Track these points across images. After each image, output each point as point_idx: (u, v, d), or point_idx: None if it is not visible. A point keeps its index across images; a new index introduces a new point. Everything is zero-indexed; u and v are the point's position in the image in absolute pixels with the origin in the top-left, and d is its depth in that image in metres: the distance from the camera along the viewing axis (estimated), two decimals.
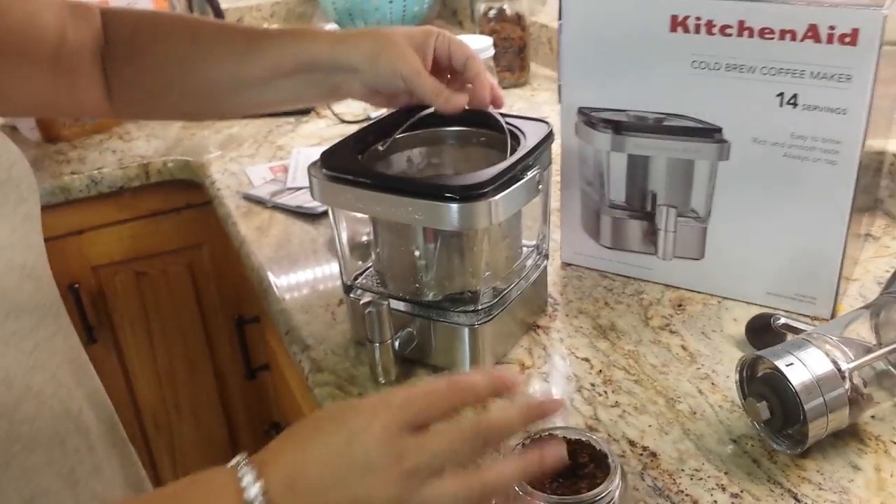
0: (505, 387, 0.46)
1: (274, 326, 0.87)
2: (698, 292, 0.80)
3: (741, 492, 0.58)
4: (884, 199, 0.90)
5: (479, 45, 1.10)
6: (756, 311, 0.75)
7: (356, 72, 0.68)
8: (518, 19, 1.33)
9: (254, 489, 0.41)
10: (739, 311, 0.77)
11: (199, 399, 1.40)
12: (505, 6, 1.33)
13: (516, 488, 0.49)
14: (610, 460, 0.52)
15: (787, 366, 0.56)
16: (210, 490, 0.43)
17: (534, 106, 1.30)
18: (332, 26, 1.69)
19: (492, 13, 1.34)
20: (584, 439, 0.53)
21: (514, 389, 0.46)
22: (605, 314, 0.78)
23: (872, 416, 0.63)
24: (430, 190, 0.63)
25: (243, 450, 0.45)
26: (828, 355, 0.56)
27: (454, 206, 0.61)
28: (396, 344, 0.69)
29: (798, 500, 0.57)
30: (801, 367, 0.56)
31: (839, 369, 0.56)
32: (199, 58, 0.72)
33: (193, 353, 1.36)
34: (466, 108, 0.68)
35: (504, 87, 1.28)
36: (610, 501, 0.50)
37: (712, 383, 0.68)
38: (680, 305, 0.79)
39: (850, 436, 0.61)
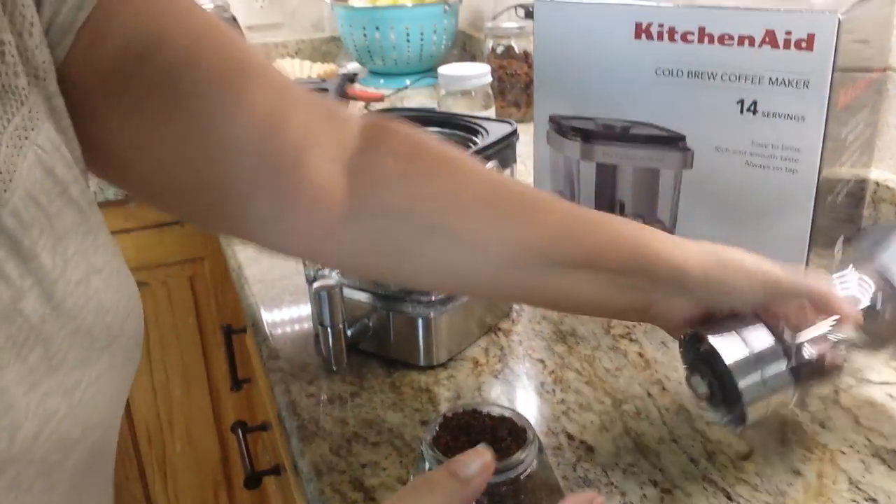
0: None
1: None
2: None
3: (673, 488, 0.56)
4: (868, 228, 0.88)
5: (477, 71, 1.13)
6: None
7: (688, 284, 0.53)
8: (525, 56, 1.36)
9: None
10: None
11: (192, 415, 1.41)
12: (512, 43, 1.36)
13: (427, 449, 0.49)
14: (528, 434, 0.51)
15: (723, 341, 0.54)
16: None
17: None
18: (353, 65, 1.75)
19: (499, 49, 1.37)
20: (506, 415, 0.53)
21: None
22: (567, 321, 0.78)
23: (822, 425, 0.61)
24: None
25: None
26: (773, 330, 0.54)
27: None
28: (349, 332, 0.70)
29: (731, 499, 0.55)
30: (739, 343, 0.53)
31: (784, 344, 0.54)
32: (475, 201, 0.52)
33: (189, 368, 1.38)
34: None
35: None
36: (524, 472, 0.49)
37: (663, 388, 0.67)
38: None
39: (797, 443, 0.60)
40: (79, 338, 0.37)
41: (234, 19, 1.67)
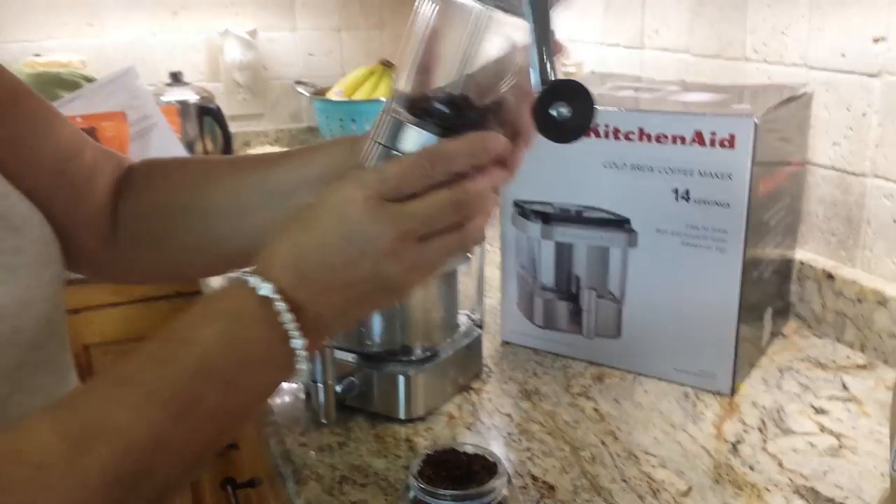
0: (482, 151, 0.50)
1: None
2: (617, 368, 0.89)
3: None
4: (795, 304, 1.00)
5: None
6: (665, 386, 0.84)
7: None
8: None
9: (264, 288, 0.46)
10: (651, 385, 0.86)
11: None
12: None
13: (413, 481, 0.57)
14: (499, 468, 0.60)
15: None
16: (227, 302, 0.48)
17: None
18: None
19: None
20: (480, 453, 0.61)
21: (490, 153, 0.50)
22: (532, 382, 0.87)
23: (751, 468, 0.71)
24: None
25: None
26: None
27: None
28: (339, 388, 0.78)
29: None
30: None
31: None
32: (221, 172, 0.68)
33: None
34: None
35: None
36: (495, 499, 0.58)
37: (615, 437, 0.76)
38: (599, 378, 0.88)
39: (729, 482, 0.69)
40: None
41: (219, 109, 1.79)
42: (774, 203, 0.86)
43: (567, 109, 0.50)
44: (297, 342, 0.48)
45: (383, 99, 1.75)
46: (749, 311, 0.83)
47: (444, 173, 0.49)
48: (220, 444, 0.50)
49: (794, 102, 0.89)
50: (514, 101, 0.54)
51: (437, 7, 0.54)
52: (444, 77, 0.54)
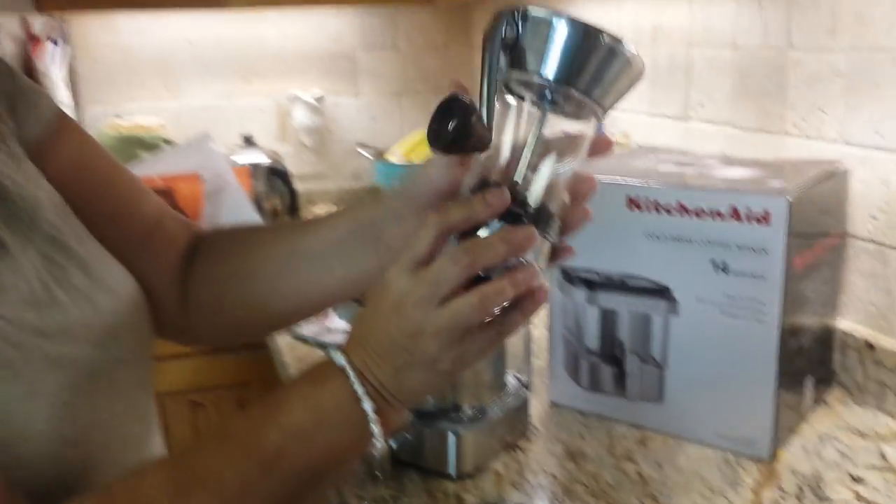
0: (517, 249, 0.54)
1: None
2: (660, 431, 0.92)
3: None
4: (837, 372, 1.02)
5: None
6: (707, 450, 0.87)
7: (391, 202, 0.67)
8: None
9: (339, 360, 0.55)
10: (692, 449, 0.89)
11: None
12: None
13: None
14: None
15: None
16: (312, 373, 0.57)
17: None
18: None
19: None
20: None
21: (523, 247, 0.54)
22: (577, 443, 0.91)
23: None
24: None
25: None
26: None
27: None
28: (393, 443, 0.84)
29: None
30: None
31: None
32: (262, 239, 0.75)
33: None
34: None
35: None
36: None
37: (656, 501, 0.80)
38: (642, 441, 0.91)
39: None
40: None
41: (286, 170, 1.89)
42: (812, 275, 0.89)
43: (441, 122, 0.53)
44: (367, 404, 0.54)
45: None
46: (788, 379, 0.86)
47: (479, 267, 0.53)
48: (303, 499, 0.56)
49: (832, 178, 0.93)
50: (566, 195, 0.60)
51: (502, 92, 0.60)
52: (500, 167, 0.60)
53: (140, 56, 1.93)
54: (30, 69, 1.54)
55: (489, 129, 0.55)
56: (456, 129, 0.52)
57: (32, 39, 1.55)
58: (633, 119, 1.47)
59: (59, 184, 0.65)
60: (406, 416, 0.61)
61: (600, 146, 0.61)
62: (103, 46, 1.90)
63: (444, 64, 2.17)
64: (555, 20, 0.54)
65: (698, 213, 0.85)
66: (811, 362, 0.94)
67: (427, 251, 0.54)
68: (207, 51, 1.98)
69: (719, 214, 0.83)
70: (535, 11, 0.55)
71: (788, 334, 0.84)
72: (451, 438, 0.83)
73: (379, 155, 1.93)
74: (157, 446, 0.69)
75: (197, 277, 0.75)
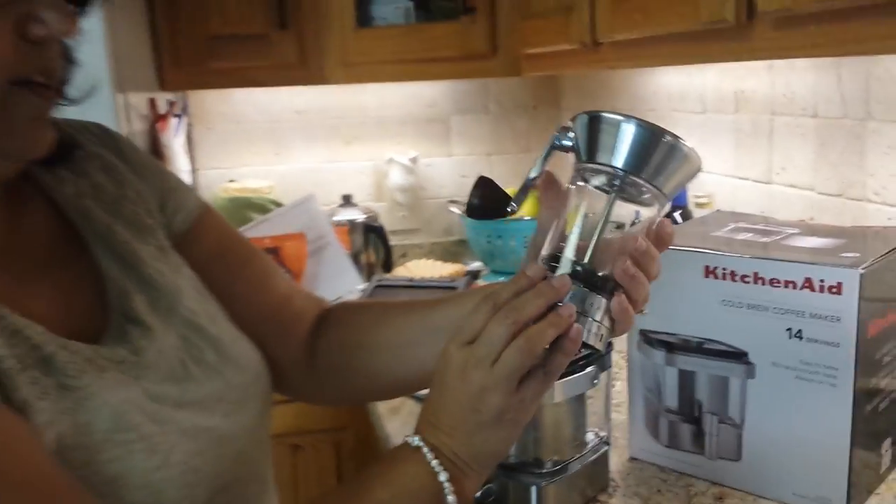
0: (553, 296, 0.60)
1: None
2: (737, 489, 0.96)
3: None
4: None
5: None
6: None
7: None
8: None
9: (414, 441, 0.61)
10: None
11: None
12: None
13: None
14: None
15: None
16: (392, 452, 0.63)
17: None
18: (477, 264, 2.03)
19: None
20: None
21: (560, 293, 0.60)
22: (655, 498, 0.95)
23: None
24: None
25: None
26: None
27: None
28: (478, 494, 0.90)
29: None
30: None
31: None
32: (391, 314, 0.82)
33: None
34: None
35: None
36: None
37: None
38: (720, 498, 0.95)
39: None
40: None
41: (382, 227, 2.01)
42: (887, 341, 0.92)
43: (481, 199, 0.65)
44: (442, 475, 0.60)
45: (526, 218, 1.90)
46: (864, 440, 0.89)
47: (523, 322, 0.59)
48: None
49: None
50: (630, 266, 0.66)
51: (575, 189, 0.67)
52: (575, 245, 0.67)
53: (251, 124, 2.10)
54: (155, 144, 1.71)
55: (514, 201, 0.69)
56: (479, 199, 0.65)
57: (158, 118, 1.72)
58: (718, 181, 1.51)
59: (200, 268, 0.75)
60: (481, 481, 0.65)
61: (664, 236, 0.65)
62: (218, 116, 2.08)
63: (533, 124, 2.26)
64: (624, 123, 0.62)
65: (773, 283, 0.89)
66: (890, 424, 0.96)
67: (479, 329, 0.60)
68: (312, 119, 2.13)
69: (793, 284, 0.87)
70: (608, 115, 0.63)
71: (863, 398, 0.87)
72: (533, 490, 0.89)
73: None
74: (270, 502, 0.76)
75: (324, 346, 0.83)
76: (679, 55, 1.03)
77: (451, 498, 0.60)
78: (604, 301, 0.64)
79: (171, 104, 1.82)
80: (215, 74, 1.74)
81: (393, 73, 1.84)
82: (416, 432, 0.63)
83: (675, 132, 0.61)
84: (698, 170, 0.64)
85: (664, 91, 1.67)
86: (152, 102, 1.73)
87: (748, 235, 1.03)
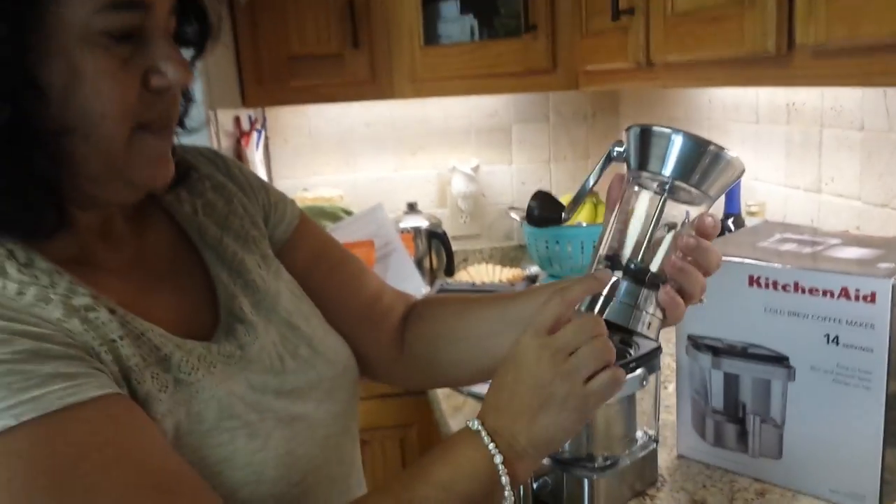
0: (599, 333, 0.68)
1: None
2: (778, 486, 1.02)
3: None
4: None
5: None
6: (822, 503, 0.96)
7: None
8: None
9: (474, 424, 0.68)
10: (807, 502, 0.98)
11: None
12: None
13: None
14: None
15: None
16: (454, 436, 0.70)
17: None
18: (535, 269, 2.11)
19: None
20: None
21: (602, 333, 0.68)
22: (700, 493, 1.02)
23: None
24: None
25: None
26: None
27: None
28: (535, 485, 0.99)
29: None
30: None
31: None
32: (473, 307, 0.91)
33: None
34: None
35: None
36: None
37: None
38: (761, 494, 1.01)
39: None
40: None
41: (444, 233, 2.10)
42: None
43: (538, 208, 0.79)
44: (497, 457, 0.67)
45: (584, 224, 1.97)
46: (894, 440, 0.94)
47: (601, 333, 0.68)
48: None
49: None
50: (678, 260, 0.73)
51: (628, 193, 0.75)
52: (631, 244, 0.75)
53: (323, 137, 2.22)
54: (239, 158, 1.84)
55: (567, 210, 0.78)
56: (537, 208, 0.80)
57: (242, 134, 1.86)
58: (770, 189, 1.56)
59: (299, 272, 0.86)
60: (534, 467, 0.72)
61: (706, 229, 0.72)
62: (292, 130, 2.20)
63: (591, 132, 2.32)
64: (673, 135, 0.69)
65: (812, 292, 0.95)
66: None
67: (552, 321, 0.69)
68: (380, 130, 2.24)
69: (831, 294, 0.94)
70: (658, 128, 0.71)
71: (893, 401, 0.92)
72: (586, 483, 0.97)
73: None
74: (356, 483, 0.86)
75: (411, 338, 0.93)
76: (726, 78, 1.09)
77: (504, 479, 0.67)
78: (654, 295, 0.72)
79: (254, 120, 1.95)
80: (293, 91, 1.87)
81: (458, 87, 1.93)
82: (479, 417, 0.69)
83: (724, 142, 0.69)
84: (741, 174, 0.71)
85: (719, 102, 1.73)
86: (237, 120, 1.86)
87: (792, 246, 1.09)
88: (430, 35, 1.95)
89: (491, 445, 0.67)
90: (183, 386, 0.68)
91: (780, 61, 0.92)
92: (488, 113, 2.28)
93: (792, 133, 1.49)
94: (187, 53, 0.72)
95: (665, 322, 0.74)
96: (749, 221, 1.51)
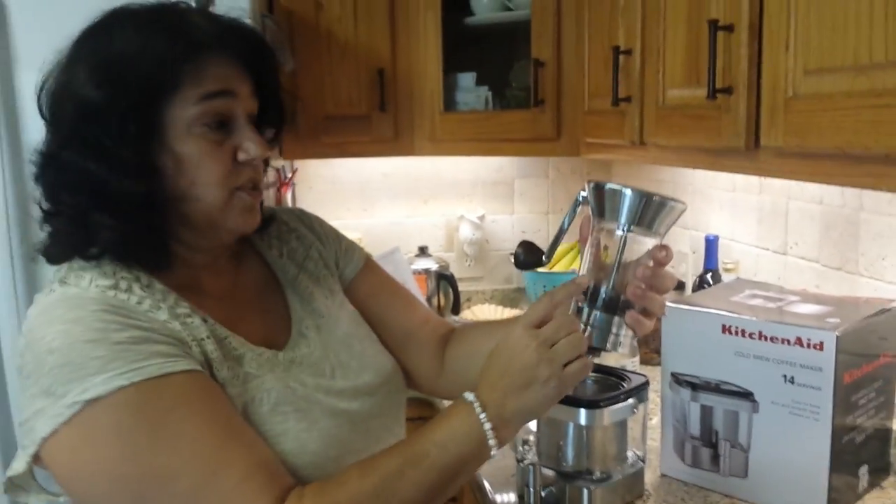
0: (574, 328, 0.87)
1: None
2: (745, 501, 1.22)
3: None
4: (894, 463, 1.28)
5: None
6: None
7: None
8: None
9: (469, 396, 0.86)
10: None
11: None
12: None
13: None
14: None
15: None
16: (451, 407, 0.87)
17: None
18: None
19: None
20: None
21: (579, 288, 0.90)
22: None
23: None
24: (571, 402, 1.16)
25: None
26: None
27: (582, 411, 1.14)
28: (543, 493, 1.19)
29: None
30: None
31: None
32: (497, 327, 1.13)
33: None
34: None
35: (654, 365, 1.79)
36: None
37: None
38: None
39: None
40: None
41: (452, 275, 2.31)
42: (864, 387, 1.19)
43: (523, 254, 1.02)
44: (487, 424, 0.85)
45: (578, 271, 2.18)
46: (842, 467, 1.15)
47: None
48: (440, 493, 0.84)
49: (885, 314, 1.23)
50: (643, 293, 0.91)
51: (594, 237, 0.95)
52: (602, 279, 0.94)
53: (344, 185, 2.44)
54: (278, 204, 2.05)
55: (546, 254, 1.03)
56: (522, 254, 1.04)
57: (283, 184, 2.09)
58: (744, 249, 1.79)
59: (361, 303, 1.09)
60: (517, 432, 0.89)
61: (659, 259, 0.90)
62: (317, 178, 2.42)
63: None
64: (624, 189, 0.90)
65: (773, 340, 1.17)
66: (868, 454, 1.22)
67: (540, 317, 0.87)
68: (396, 180, 2.46)
69: (788, 342, 1.15)
70: (610, 186, 0.91)
71: (841, 431, 1.14)
72: (585, 493, 1.17)
73: None
74: None
75: (450, 356, 1.15)
76: (705, 163, 1.32)
77: (492, 441, 0.85)
78: (622, 319, 0.92)
79: (294, 171, 2.17)
80: (325, 147, 2.09)
81: (472, 148, 2.16)
82: (473, 391, 0.86)
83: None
84: (682, 212, 0.92)
85: (701, 172, 1.96)
86: (278, 172, 2.08)
87: (759, 301, 1.31)
88: (449, 102, 2.19)
89: (483, 415, 0.85)
90: (251, 378, 0.90)
91: (749, 156, 1.15)
92: (494, 168, 2.51)
93: (763, 202, 1.72)
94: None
95: (636, 336, 0.94)
96: (725, 277, 1.73)
